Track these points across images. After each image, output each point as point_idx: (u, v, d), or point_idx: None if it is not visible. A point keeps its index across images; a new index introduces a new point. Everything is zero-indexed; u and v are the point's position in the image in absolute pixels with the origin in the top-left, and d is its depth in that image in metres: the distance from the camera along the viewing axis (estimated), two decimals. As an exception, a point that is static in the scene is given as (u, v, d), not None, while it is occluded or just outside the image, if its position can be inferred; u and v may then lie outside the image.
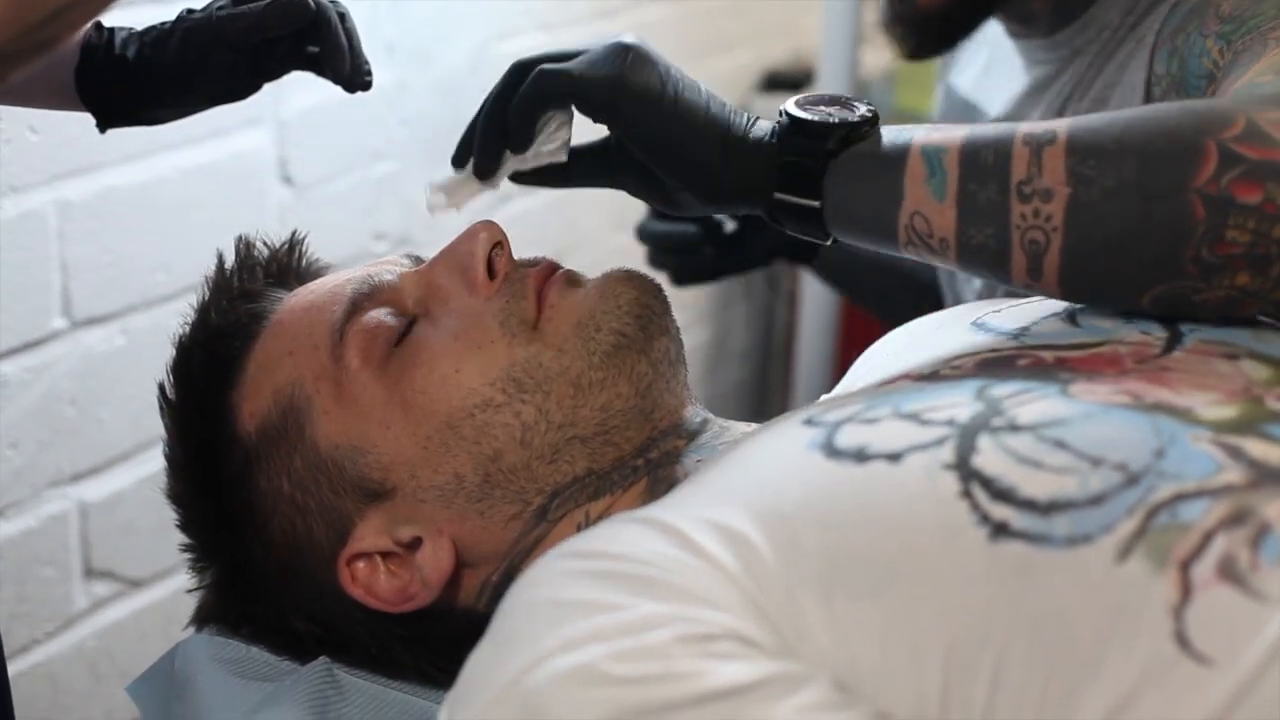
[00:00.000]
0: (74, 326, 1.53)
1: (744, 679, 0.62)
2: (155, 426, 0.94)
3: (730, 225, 1.41)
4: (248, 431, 0.88)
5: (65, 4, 0.71)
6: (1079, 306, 0.83)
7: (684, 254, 1.42)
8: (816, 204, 0.83)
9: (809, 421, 0.76)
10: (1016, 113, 1.23)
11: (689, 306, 2.55)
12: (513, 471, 0.84)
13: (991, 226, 0.78)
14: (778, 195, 0.84)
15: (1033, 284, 0.79)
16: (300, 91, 1.69)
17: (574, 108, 0.87)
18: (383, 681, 0.87)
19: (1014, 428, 0.70)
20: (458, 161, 0.91)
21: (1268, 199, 0.74)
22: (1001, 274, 0.80)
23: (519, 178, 0.92)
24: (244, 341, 0.90)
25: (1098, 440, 0.68)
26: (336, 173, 1.83)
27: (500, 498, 0.84)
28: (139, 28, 1.00)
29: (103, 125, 1.02)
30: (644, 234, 1.43)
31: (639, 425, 0.85)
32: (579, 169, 0.92)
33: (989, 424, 0.70)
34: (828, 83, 2.19)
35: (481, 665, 0.67)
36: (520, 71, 0.88)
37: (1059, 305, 0.84)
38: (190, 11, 0.99)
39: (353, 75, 0.97)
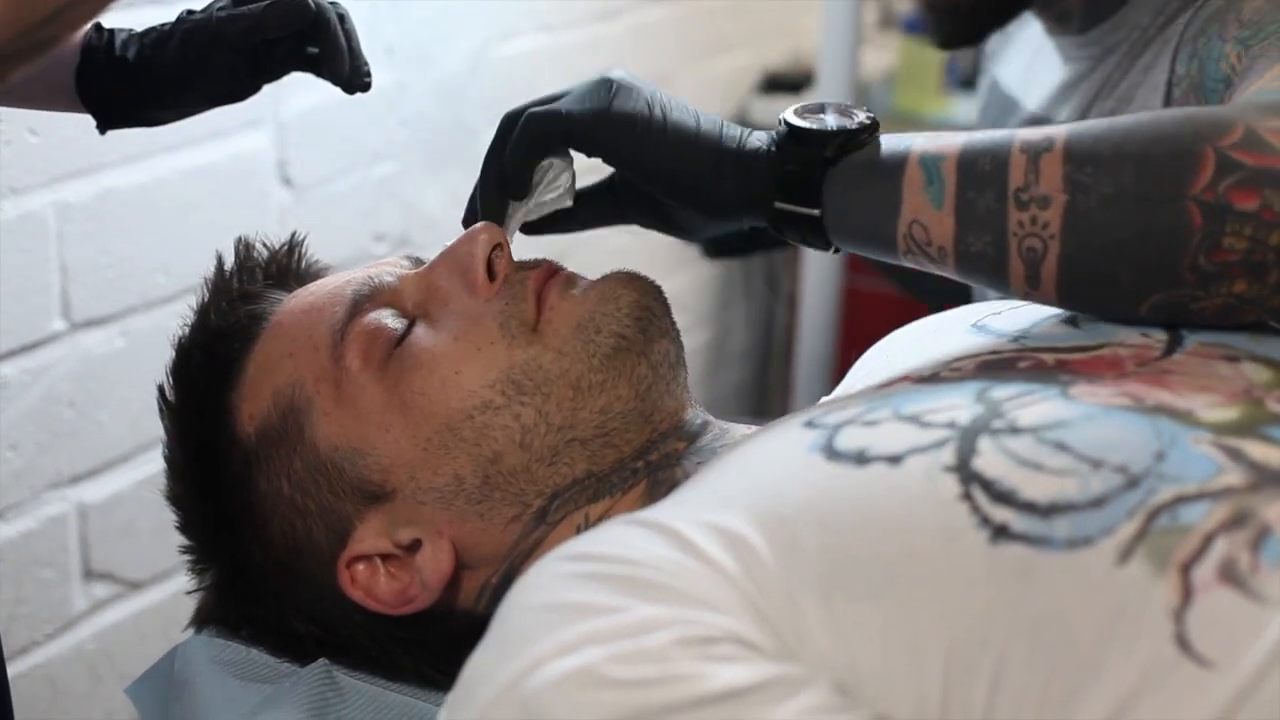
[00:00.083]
0: (73, 328, 1.53)
1: (744, 682, 0.62)
2: (154, 428, 0.94)
3: None
4: (247, 433, 0.88)
5: (65, 4, 0.71)
6: (1078, 311, 0.83)
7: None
8: (816, 213, 0.83)
9: (809, 424, 0.76)
10: (1049, 108, 1.25)
11: (689, 308, 2.55)
12: (512, 473, 0.84)
13: (989, 234, 0.78)
14: (778, 205, 0.84)
15: (1031, 292, 0.79)
16: (300, 93, 1.69)
17: (569, 150, 0.89)
18: (382, 683, 0.87)
19: (1014, 430, 0.70)
20: (467, 222, 0.92)
21: (1265, 205, 0.73)
22: (1000, 282, 0.80)
23: (529, 228, 0.93)
24: (243, 343, 0.90)
25: (1098, 442, 0.68)
26: (336, 174, 1.83)
27: (500, 500, 0.84)
28: (139, 29, 1.00)
29: (102, 127, 1.02)
30: None
31: (639, 427, 0.85)
32: (586, 212, 0.94)
33: (989, 426, 0.70)
34: (827, 83, 2.18)
35: (481, 667, 0.67)
36: (510, 122, 0.88)
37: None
38: (190, 13, 0.99)
39: (352, 76, 0.97)
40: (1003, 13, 1.22)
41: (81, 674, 1.60)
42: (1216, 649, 0.61)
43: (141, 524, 1.61)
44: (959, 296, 1.20)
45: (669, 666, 0.63)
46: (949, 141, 0.80)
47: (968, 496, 0.67)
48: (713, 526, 0.69)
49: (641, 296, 0.87)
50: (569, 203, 0.92)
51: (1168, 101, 1.07)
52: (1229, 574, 0.62)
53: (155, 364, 0.95)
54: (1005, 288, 0.80)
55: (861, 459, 0.71)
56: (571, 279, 0.89)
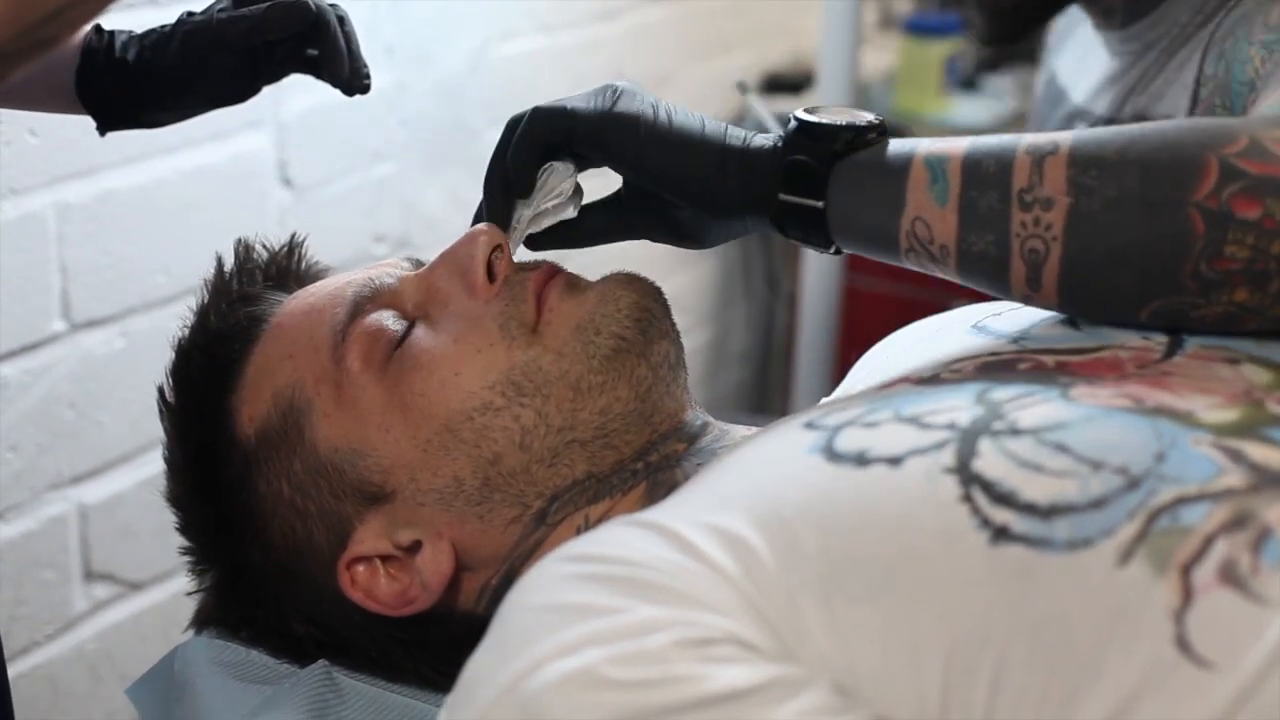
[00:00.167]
0: (73, 329, 1.53)
1: (743, 683, 0.62)
2: (155, 429, 0.94)
3: None
4: (247, 435, 0.88)
5: (65, 3, 0.71)
6: (1079, 312, 0.83)
7: None
8: (820, 205, 0.83)
9: (809, 425, 0.76)
10: (1091, 101, 1.26)
11: (689, 309, 2.55)
12: (512, 475, 0.84)
13: (992, 234, 0.78)
14: (782, 196, 0.84)
15: (1032, 294, 0.79)
16: (300, 93, 1.69)
17: (573, 160, 0.89)
18: (382, 685, 0.87)
19: (1015, 431, 0.70)
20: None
21: (1267, 214, 0.73)
22: (1001, 284, 0.80)
23: (533, 243, 0.93)
24: (243, 345, 0.90)
25: (1099, 444, 0.68)
26: (336, 175, 1.83)
27: (500, 501, 0.84)
28: (139, 30, 1.00)
29: (103, 128, 1.02)
30: None
31: (638, 429, 0.85)
32: (592, 225, 0.93)
33: (990, 427, 0.70)
34: (827, 83, 2.19)
35: (480, 668, 0.67)
36: (516, 123, 0.88)
37: (1059, 310, 0.84)
38: (190, 14, 0.99)
39: (351, 79, 0.98)
40: (1045, 10, 1.23)
41: (82, 675, 1.60)
42: (1217, 650, 0.61)
43: (142, 525, 1.61)
44: None
45: (669, 668, 0.63)
46: (954, 144, 0.81)
47: (968, 498, 0.67)
48: (713, 528, 0.69)
49: (641, 298, 0.87)
50: (572, 212, 0.92)
51: (1194, 101, 1.08)
52: (1229, 575, 0.62)
53: (155, 365, 0.95)
54: (1006, 289, 0.80)
55: (862, 460, 0.71)
56: (571, 280, 0.89)
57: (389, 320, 0.87)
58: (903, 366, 0.84)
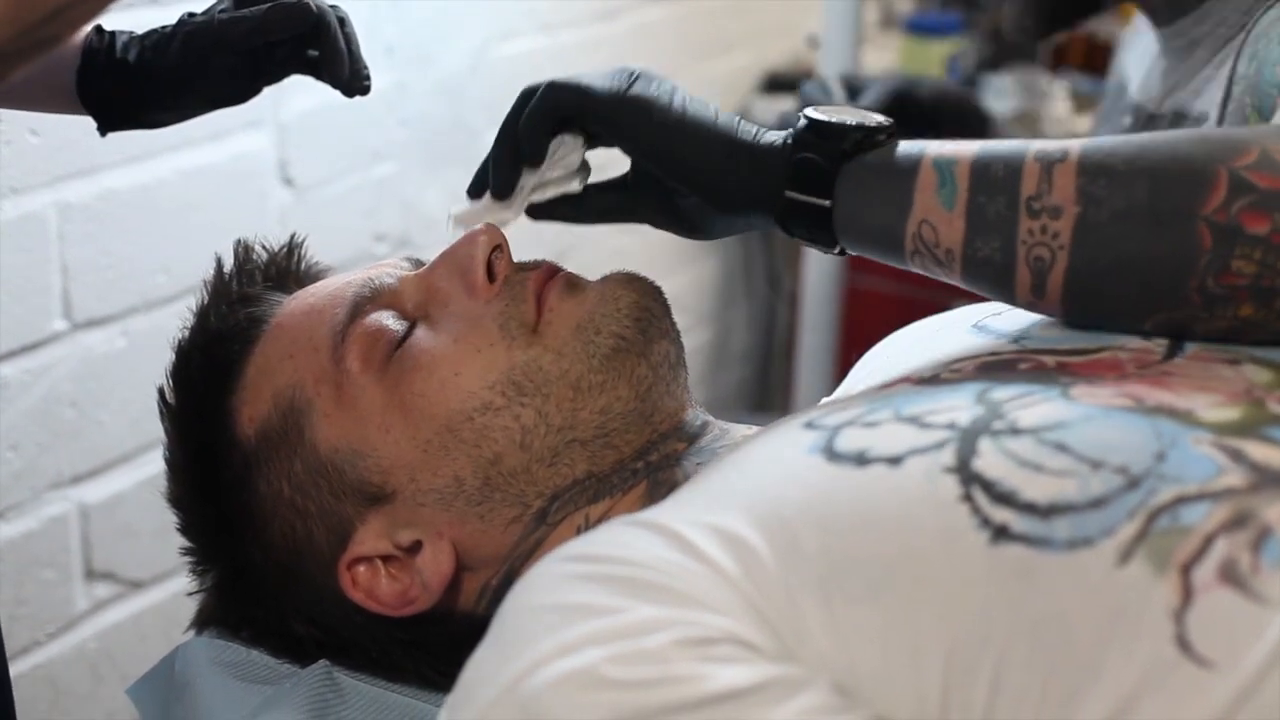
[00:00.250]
0: (74, 328, 1.53)
1: (743, 682, 0.62)
2: (155, 428, 0.94)
3: None
4: (247, 435, 0.88)
5: (66, 3, 0.71)
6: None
7: None
8: (827, 204, 0.83)
9: (809, 425, 0.76)
10: (1142, 96, 1.26)
11: (689, 308, 2.55)
12: (512, 474, 0.84)
13: (998, 239, 0.78)
14: (789, 194, 0.84)
15: (1035, 302, 0.79)
16: (300, 94, 1.68)
17: (582, 134, 0.88)
18: (383, 685, 0.87)
19: (1015, 431, 0.70)
20: (473, 191, 0.91)
21: (1275, 230, 0.73)
22: (1005, 290, 0.80)
23: (535, 212, 0.92)
24: (243, 345, 0.90)
25: (1099, 443, 0.68)
26: (336, 174, 1.83)
27: (500, 501, 0.84)
28: (140, 31, 1.00)
29: (103, 128, 1.02)
30: None
31: (639, 428, 0.85)
32: (595, 203, 0.93)
33: (990, 427, 0.70)
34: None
35: (480, 668, 0.67)
36: (530, 93, 0.88)
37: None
38: (191, 15, 0.99)
39: (351, 80, 0.98)
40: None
41: (83, 674, 1.60)
42: (1217, 650, 0.61)
43: (142, 524, 1.61)
44: None
45: (669, 667, 0.63)
46: (964, 147, 0.80)
47: (968, 497, 0.67)
48: (713, 528, 0.69)
49: (641, 297, 0.87)
50: (577, 187, 0.91)
51: (1227, 99, 1.07)
52: (1229, 575, 0.62)
53: (156, 364, 0.95)
54: (1010, 296, 0.80)
55: (862, 460, 0.71)
56: (571, 280, 0.89)
57: (389, 320, 0.87)
58: (903, 366, 0.84)
